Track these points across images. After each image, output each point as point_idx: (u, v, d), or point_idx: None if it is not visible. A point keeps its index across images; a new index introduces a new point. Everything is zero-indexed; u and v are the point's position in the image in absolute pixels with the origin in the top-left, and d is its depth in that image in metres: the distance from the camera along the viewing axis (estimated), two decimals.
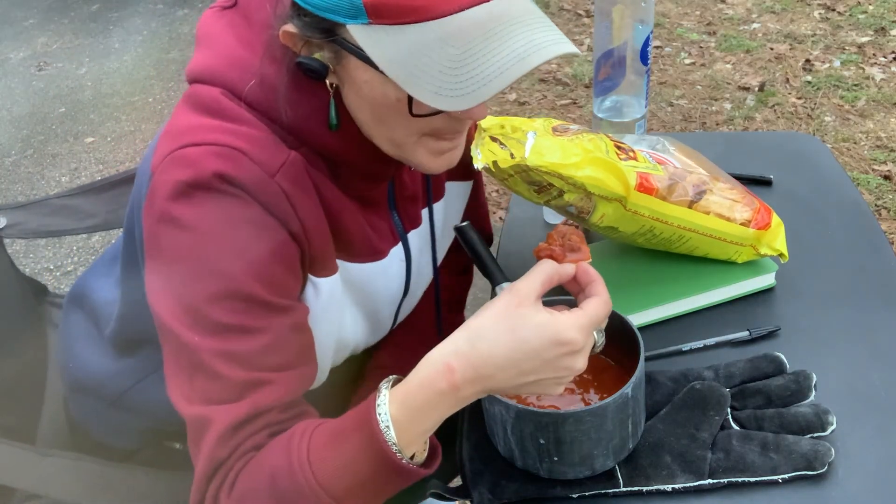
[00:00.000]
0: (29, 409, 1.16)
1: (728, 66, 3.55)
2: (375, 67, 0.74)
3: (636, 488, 0.89)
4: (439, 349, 0.77)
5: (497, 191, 2.88)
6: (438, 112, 0.78)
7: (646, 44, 1.34)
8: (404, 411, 0.76)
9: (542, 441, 0.86)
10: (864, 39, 3.64)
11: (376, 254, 0.97)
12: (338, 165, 0.89)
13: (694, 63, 3.61)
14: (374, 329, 1.05)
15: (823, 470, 0.88)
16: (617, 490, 0.90)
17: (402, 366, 1.12)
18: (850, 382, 1.00)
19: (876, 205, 2.68)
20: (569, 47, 0.74)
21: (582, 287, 0.84)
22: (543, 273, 0.80)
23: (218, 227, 0.80)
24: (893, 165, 2.85)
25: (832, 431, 0.91)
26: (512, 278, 1.05)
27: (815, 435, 0.91)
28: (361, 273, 0.96)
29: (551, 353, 0.75)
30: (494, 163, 1.04)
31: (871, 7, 3.89)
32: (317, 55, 0.80)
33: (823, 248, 1.22)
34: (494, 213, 2.77)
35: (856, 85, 3.32)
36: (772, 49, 3.64)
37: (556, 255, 0.82)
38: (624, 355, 0.95)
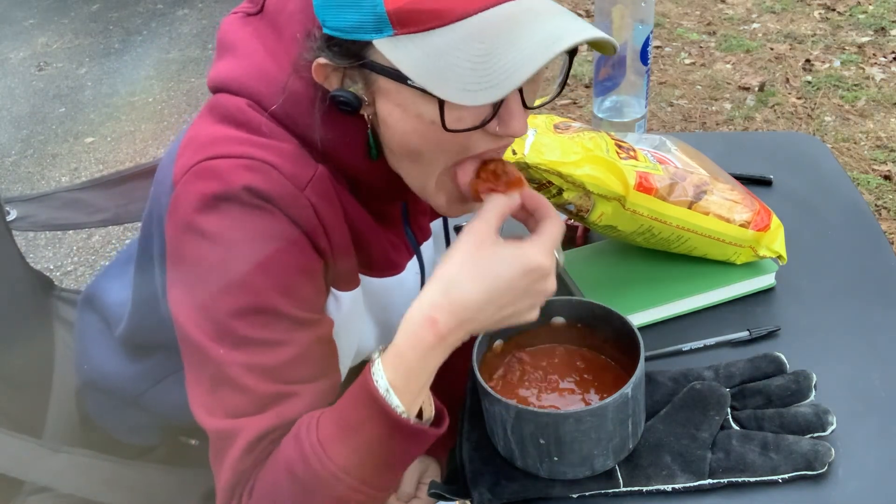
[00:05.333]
0: (36, 401, 1.16)
1: (728, 66, 3.55)
2: (405, 81, 0.73)
3: (636, 488, 0.89)
4: (417, 304, 0.78)
5: None
6: (475, 128, 0.76)
7: (646, 44, 1.34)
8: (400, 373, 0.76)
9: (542, 441, 0.86)
10: (864, 39, 3.64)
11: (394, 268, 0.98)
12: (359, 183, 0.89)
13: (694, 63, 3.61)
14: (388, 339, 1.06)
15: (823, 470, 0.88)
16: (617, 490, 0.90)
17: None
18: (850, 382, 1.00)
19: (876, 205, 2.68)
20: (597, 32, 0.74)
21: (530, 212, 0.84)
22: (496, 208, 0.80)
23: (244, 240, 0.79)
24: (893, 165, 2.85)
25: (832, 431, 0.91)
26: None
27: (815, 435, 0.91)
28: (381, 287, 0.97)
29: (524, 282, 0.77)
30: None
31: (871, 7, 3.89)
32: (351, 89, 0.79)
33: (823, 248, 1.22)
34: None
35: (856, 85, 3.32)
36: (772, 49, 3.64)
37: (499, 189, 0.82)
38: (624, 355, 0.95)
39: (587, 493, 0.90)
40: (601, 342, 0.98)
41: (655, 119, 3.23)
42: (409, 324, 0.77)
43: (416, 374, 0.77)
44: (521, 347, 1.00)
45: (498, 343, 0.98)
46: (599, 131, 1.08)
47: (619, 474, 0.90)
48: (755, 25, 3.87)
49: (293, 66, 0.81)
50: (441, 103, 0.74)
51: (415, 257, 1.02)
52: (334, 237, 0.85)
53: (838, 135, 3.03)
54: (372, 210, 0.92)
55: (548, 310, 0.99)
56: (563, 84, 0.83)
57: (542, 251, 0.77)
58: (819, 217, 1.28)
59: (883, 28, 3.71)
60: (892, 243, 2.41)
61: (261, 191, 0.79)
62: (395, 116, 0.78)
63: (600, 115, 1.40)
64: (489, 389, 0.87)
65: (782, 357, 0.99)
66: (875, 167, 2.85)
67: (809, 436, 0.91)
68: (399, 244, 0.99)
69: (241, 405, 0.79)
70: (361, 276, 0.94)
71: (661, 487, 0.89)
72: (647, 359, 0.99)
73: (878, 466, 0.90)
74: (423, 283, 1.04)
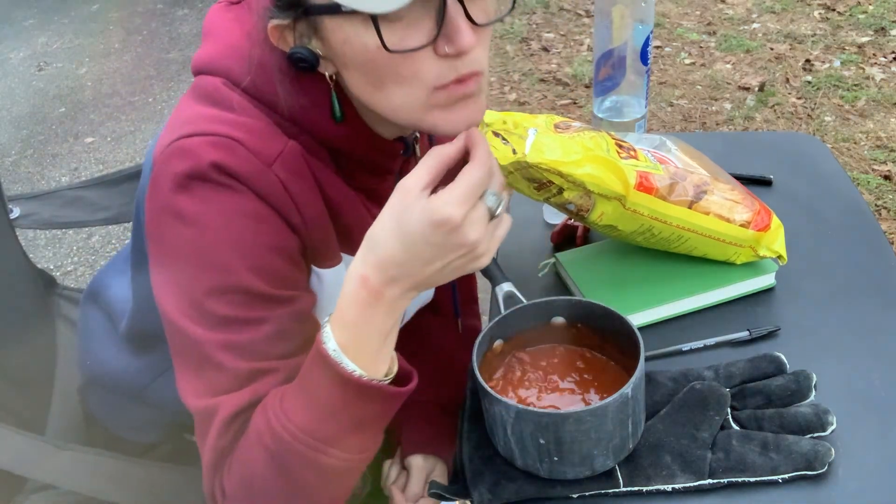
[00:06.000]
0: (38, 399, 1.16)
1: (728, 66, 3.55)
2: (339, 11, 0.73)
3: (636, 488, 0.89)
4: (353, 263, 0.78)
5: None
6: (420, 47, 0.75)
7: (646, 44, 1.34)
8: (346, 332, 0.76)
9: (542, 441, 0.86)
10: (864, 39, 3.64)
11: None
12: (340, 156, 0.89)
13: (694, 63, 3.61)
14: None
15: (823, 470, 0.88)
16: (617, 490, 0.90)
17: (426, 349, 1.11)
18: (850, 382, 1.00)
19: (876, 205, 2.68)
20: None
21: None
22: (426, 161, 0.76)
23: (217, 220, 0.80)
24: (893, 165, 2.85)
25: (832, 431, 0.91)
26: (511, 278, 1.05)
27: (815, 435, 0.91)
28: None
29: (437, 237, 0.73)
30: None
31: (871, 7, 3.89)
32: (305, 45, 0.80)
33: (823, 248, 1.22)
34: None
35: (856, 85, 3.32)
36: (772, 49, 3.64)
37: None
38: (624, 355, 0.95)
39: (587, 493, 0.90)
40: (601, 342, 0.98)
41: (655, 119, 3.23)
42: (346, 283, 0.77)
43: (363, 331, 0.77)
44: (521, 347, 1.00)
45: (498, 343, 0.98)
46: (600, 131, 1.08)
47: (619, 474, 0.90)
48: (755, 25, 3.87)
49: (256, 37, 0.83)
50: (375, 23, 0.73)
51: None
52: (307, 213, 0.85)
53: (838, 135, 3.03)
54: (360, 186, 0.92)
55: (548, 310, 0.99)
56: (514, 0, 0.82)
57: (451, 202, 0.72)
58: (819, 217, 1.28)
59: (883, 28, 3.71)
60: (892, 243, 2.41)
61: (227, 167, 0.79)
62: (348, 55, 0.78)
63: (600, 115, 1.40)
64: (489, 389, 0.87)
65: (782, 357, 0.99)
66: (875, 167, 2.85)
67: (809, 436, 0.91)
68: None
69: (219, 383, 0.80)
70: (346, 255, 0.93)
71: (661, 487, 0.89)
72: (647, 359, 0.99)
73: (878, 466, 0.90)
74: None
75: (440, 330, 1.19)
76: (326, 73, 0.82)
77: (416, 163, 0.96)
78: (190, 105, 0.85)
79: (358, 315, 0.76)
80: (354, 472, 0.82)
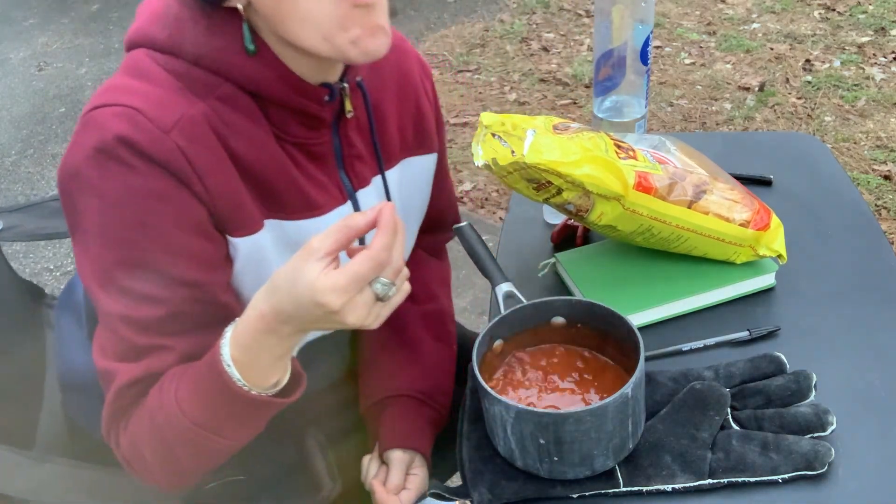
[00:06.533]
0: (27, 412, 1.16)
1: (728, 66, 3.55)
2: None
3: (636, 488, 0.89)
4: (258, 293, 0.81)
5: (497, 190, 2.88)
6: None
7: (646, 44, 1.34)
8: (240, 350, 0.81)
9: (542, 441, 0.86)
10: (864, 39, 3.64)
11: (313, 209, 0.95)
12: (268, 106, 0.89)
13: (694, 63, 3.61)
14: None
15: (823, 470, 0.88)
16: (617, 490, 0.90)
17: (401, 342, 1.11)
18: (850, 382, 1.00)
19: (876, 205, 2.68)
20: None
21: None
22: (336, 228, 0.77)
23: (122, 199, 0.83)
24: (893, 165, 2.85)
25: (832, 431, 0.91)
26: (511, 278, 1.05)
27: (815, 435, 0.91)
28: (298, 232, 0.95)
29: (319, 311, 0.76)
30: (494, 160, 1.04)
31: (871, 7, 3.89)
32: None
33: (823, 248, 1.22)
34: (494, 213, 2.77)
35: (856, 85, 3.32)
36: (772, 49, 3.64)
37: None
38: (624, 355, 0.95)
39: (587, 493, 0.90)
40: (601, 342, 0.98)
41: (655, 119, 3.23)
42: (249, 307, 0.81)
43: (255, 353, 0.81)
44: (521, 347, 1.00)
45: (498, 343, 0.98)
46: (598, 131, 1.08)
47: (619, 474, 0.90)
48: (755, 25, 3.87)
49: None
50: None
51: (348, 203, 0.99)
52: (210, 181, 0.85)
53: (838, 135, 3.03)
54: (294, 141, 0.92)
55: (548, 310, 0.99)
56: None
57: (332, 289, 0.74)
58: (819, 217, 1.28)
59: (883, 28, 3.71)
60: (892, 243, 2.41)
61: (130, 140, 0.81)
62: None
63: (600, 115, 1.40)
64: (489, 389, 0.87)
65: (782, 357, 0.99)
66: (875, 167, 2.85)
67: (809, 436, 0.91)
68: (328, 185, 0.97)
69: (118, 351, 0.86)
70: (274, 222, 0.92)
71: (661, 487, 0.89)
72: (647, 359, 0.99)
73: (878, 466, 0.90)
74: (361, 239, 1.02)
75: (415, 322, 1.18)
76: (239, 5, 0.83)
77: (352, 124, 0.96)
78: (112, 79, 0.88)
79: (252, 340, 0.80)
80: (231, 451, 0.90)
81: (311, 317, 0.77)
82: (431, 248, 1.26)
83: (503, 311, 0.98)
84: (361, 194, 1.01)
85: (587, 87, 3.49)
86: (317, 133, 0.94)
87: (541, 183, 1.03)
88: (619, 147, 1.05)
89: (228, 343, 0.81)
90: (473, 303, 2.39)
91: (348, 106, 0.95)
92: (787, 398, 0.95)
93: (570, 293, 1.17)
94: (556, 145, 0.99)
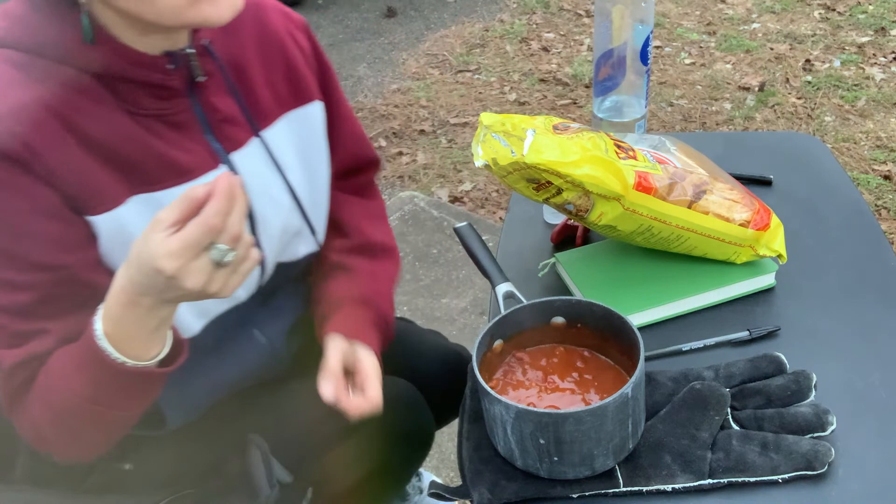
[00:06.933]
0: (6, 443, 1.15)
1: (728, 66, 3.55)
2: None
3: (636, 488, 0.89)
4: (121, 267, 0.82)
5: (497, 190, 2.88)
6: None
7: (646, 44, 1.34)
8: (111, 323, 0.83)
9: (542, 441, 0.86)
10: (864, 39, 3.64)
11: (183, 175, 0.95)
12: (115, 84, 0.90)
13: (694, 63, 3.61)
14: None
15: (823, 470, 0.88)
16: (617, 490, 0.90)
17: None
18: (850, 382, 1.00)
19: (876, 205, 2.68)
20: None
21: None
22: (178, 199, 0.78)
23: None
24: (893, 165, 2.85)
25: (832, 431, 0.91)
26: (511, 278, 1.05)
27: (815, 435, 0.91)
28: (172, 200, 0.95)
29: (159, 280, 0.78)
30: (494, 160, 1.04)
31: (871, 7, 3.89)
32: None
33: (823, 248, 1.22)
34: (494, 213, 2.77)
35: (856, 85, 3.32)
36: (772, 49, 3.64)
37: None
38: (624, 355, 0.95)
39: (587, 493, 0.90)
40: (601, 342, 0.98)
41: (655, 119, 3.23)
42: (114, 281, 0.83)
43: (126, 326, 0.83)
44: (521, 347, 1.00)
45: (498, 343, 0.98)
46: (598, 132, 1.08)
47: (619, 474, 0.90)
48: (755, 25, 3.87)
49: None
50: None
51: (223, 167, 0.99)
52: (54, 163, 0.86)
53: (838, 135, 3.03)
54: (150, 113, 0.92)
55: (548, 310, 0.99)
56: None
57: (164, 254, 0.76)
58: (819, 217, 1.28)
59: (883, 28, 3.71)
60: (892, 243, 2.41)
61: None
62: None
63: (600, 115, 1.40)
64: (489, 389, 0.87)
65: (782, 357, 0.99)
66: (875, 167, 2.85)
67: (809, 436, 0.91)
68: (197, 151, 0.97)
69: (2, 338, 0.89)
70: (143, 196, 0.93)
71: (661, 487, 0.89)
72: (647, 359, 0.99)
73: (878, 466, 0.90)
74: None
75: (345, 254, 1.19)
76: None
77: (214, 90, 0.97)
78: None
79: (121, 313, 0.83)
80: (133, 419, 0.93)
81: (157, 285, 0.78)
82: (357, 189, 1.25)
83: (503, 311, 0.98)
84: (238, 156, 1.01)
85: (587, 87, 3.49)
86: (172, 102, 0.94)
87: (541, 183, 1.03)
88: (619, 147, 1.05)
89: (100, 318, 0.84)
90: (473, 303, 2.39)
91: (197, 71, 0.95)
92: (787, 398, 0.95)
93: (570, 293, 1.17)
94: (556, 145, 0.99)
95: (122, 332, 0.84)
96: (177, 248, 0.76)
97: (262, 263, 1.07)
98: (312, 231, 1.12)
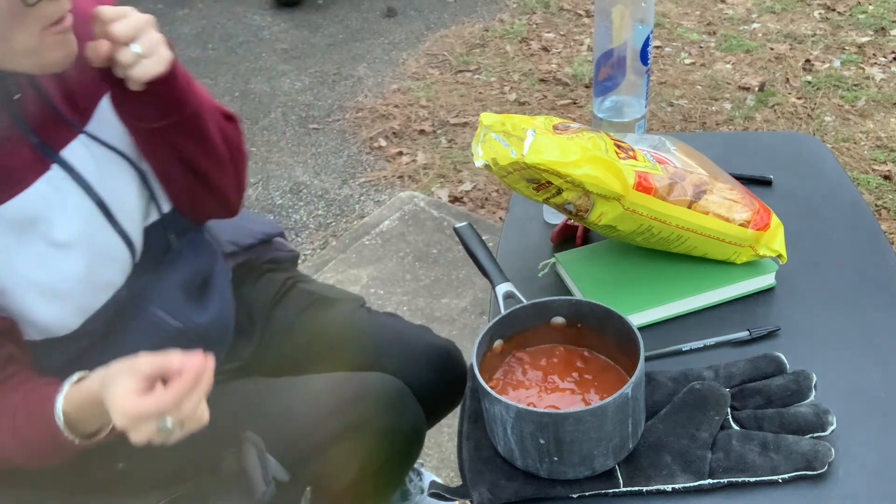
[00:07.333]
0: None
1: (728, 66, 3.55)
2: None
3: (636, 488, 0.89)
4: (104, 368, 0.91)
5: (497, 190, 2.88)
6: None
7: (646, 44, 1.34)
8: (74, 409, 0.93)
9: (542, 441, 0.86)
10: (864, 39, 3.64)
11: (15, 185, 0.95)
12: None
13: (694, 63, 3.61)
14: (109, 250, 1.05)
15: (823, 470, 0.88)
16: (617, 490, 0.90)
17: None
18: (850, 382, 1.00)
19: (876, 205, 2.68)
20: None
21: None
22: (159, 358, 0.88)
23: None
24: (893, 165, 2.85)
25: (832, 431, 0.91)
26: (511, 278, 1.05)
27: (815, 435, 0.91)
28: (14, 210, 0.95)
29: (114, 418, 0.87)
30: (494, 160, 1.04)
31: (871, 7, 3.89)
32: None
33: (823, 248, 1.22)
34: (494, 213, 2.77)
35: (856, 85, 3.32)
36: (772, 49, 3.64)
37: None
38: (624, 355, 0.95)
39: (587, 493, 0.90)
40: (601, 342, 0.98)
41: (655, 119, 3.23)
42: (92, 374, 0.92)
43: (85, 416, 0.93)
44: (521, 347, 1.00)
45: (498, 343, 0.98)
46: (598, 132, 1.08)
47: (619, 474, 0.90)
48: (755, 25, 3.87)
49: None
50: None
51: (56, 166, 0.98)
52: None
53: (838, 135, 3.03)
54: None
55: (548, 310, 0.99)
56: None
57: (121, 411, 0.85)
58: (819, 217, 1.28)
59: (883, 28, 3.71)
60: (892, 243, 2.41)
61: None
62: None
63: (600, 115, 1.40)
64: (489, 389, 0.87)
65: (782, 357, 0.99)
66: (875, 167, 2.85)
67: (809, 436, 0.91)
68: (24, 160, 0.96)
69: None
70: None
71: (661, 487, 0.89)
72: (647, 359, 0.99)
73: (877, 466, 0.90)
74: (86, 187, 1.01)
75: None
76: None
77: (30, 99, 0.99)
78: None
79: (88, 414, 0.93)
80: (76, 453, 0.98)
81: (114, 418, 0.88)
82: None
83: (503, 311, 0.98)
84: (68, 152, 1.00)
85: (587, 87, 3.49)
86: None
87: (541, 183, 1.03)
88: (619, 147, 1.05)
89: (63, 396, 0.93)
90: (473, 303, 2.39)
91: (13, 90, 0.95)
92: (787, 398, 0.95)
93: (570, 293, 1.17)
94: (556, 145, 0.99)
95: (78, 417, 0.93)
96: (131, 412, 0.85)
97: (129, 243, 1.06)
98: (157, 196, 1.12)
